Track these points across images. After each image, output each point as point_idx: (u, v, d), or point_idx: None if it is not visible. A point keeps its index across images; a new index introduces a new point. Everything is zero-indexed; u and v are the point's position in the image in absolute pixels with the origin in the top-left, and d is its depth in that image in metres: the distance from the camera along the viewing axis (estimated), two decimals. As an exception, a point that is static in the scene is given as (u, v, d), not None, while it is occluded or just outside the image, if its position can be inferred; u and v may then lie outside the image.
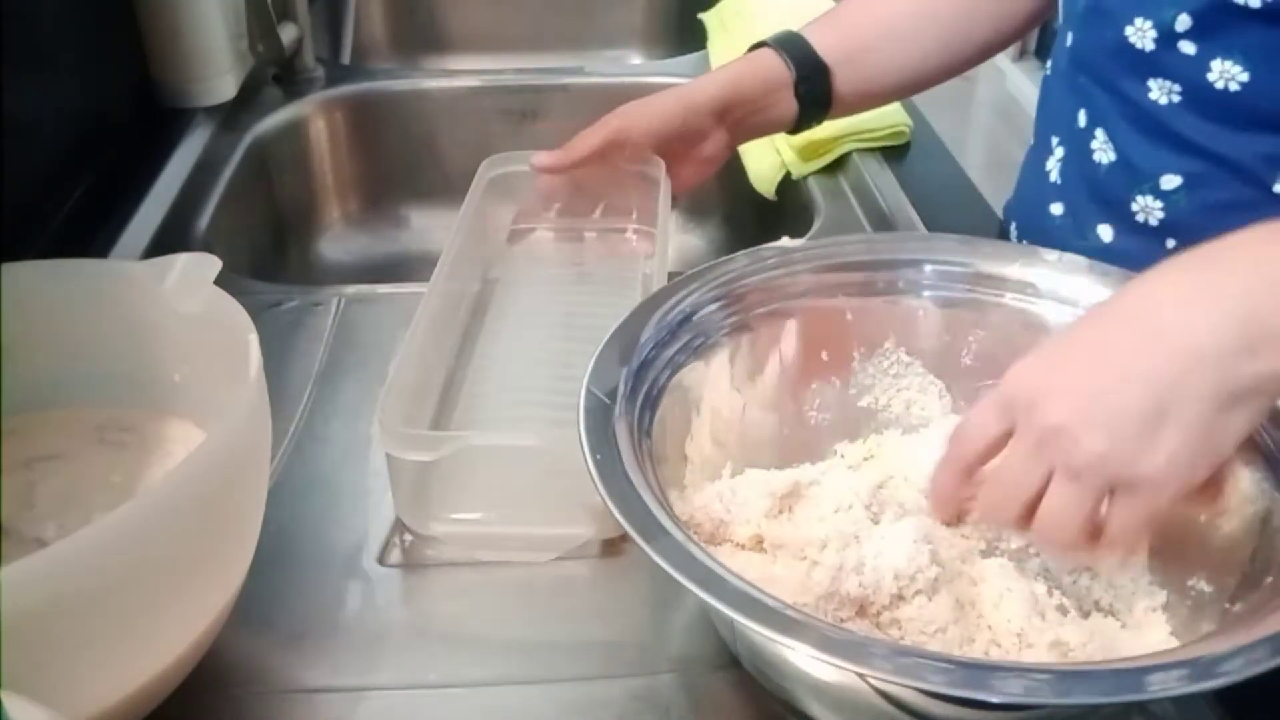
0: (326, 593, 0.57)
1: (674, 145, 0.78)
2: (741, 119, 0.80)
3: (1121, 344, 0.47)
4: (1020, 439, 0.48)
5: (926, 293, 0.62)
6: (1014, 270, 0.61)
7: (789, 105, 0.80)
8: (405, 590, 0.57)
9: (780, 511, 0.53)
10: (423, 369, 0.63)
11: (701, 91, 0.79)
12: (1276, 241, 0.47)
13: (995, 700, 0.39)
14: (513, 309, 0.75)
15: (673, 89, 0.80)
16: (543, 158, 0.78)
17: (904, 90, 0.86)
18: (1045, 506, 0.48)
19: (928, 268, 0.62)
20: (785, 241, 0.62)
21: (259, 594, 0.54)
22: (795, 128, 0.82)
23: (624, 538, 0.60)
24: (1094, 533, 0.48)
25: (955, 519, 0.53)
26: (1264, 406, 0.46)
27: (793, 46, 0.80)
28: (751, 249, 0.62)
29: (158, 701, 0.47)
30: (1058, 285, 0.60)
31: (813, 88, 0.80)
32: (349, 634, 0.55)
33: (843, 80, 0.80)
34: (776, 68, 0.79)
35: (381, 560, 0.59)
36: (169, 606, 0.45)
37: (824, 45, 0.80)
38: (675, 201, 0.79)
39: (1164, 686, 0.40)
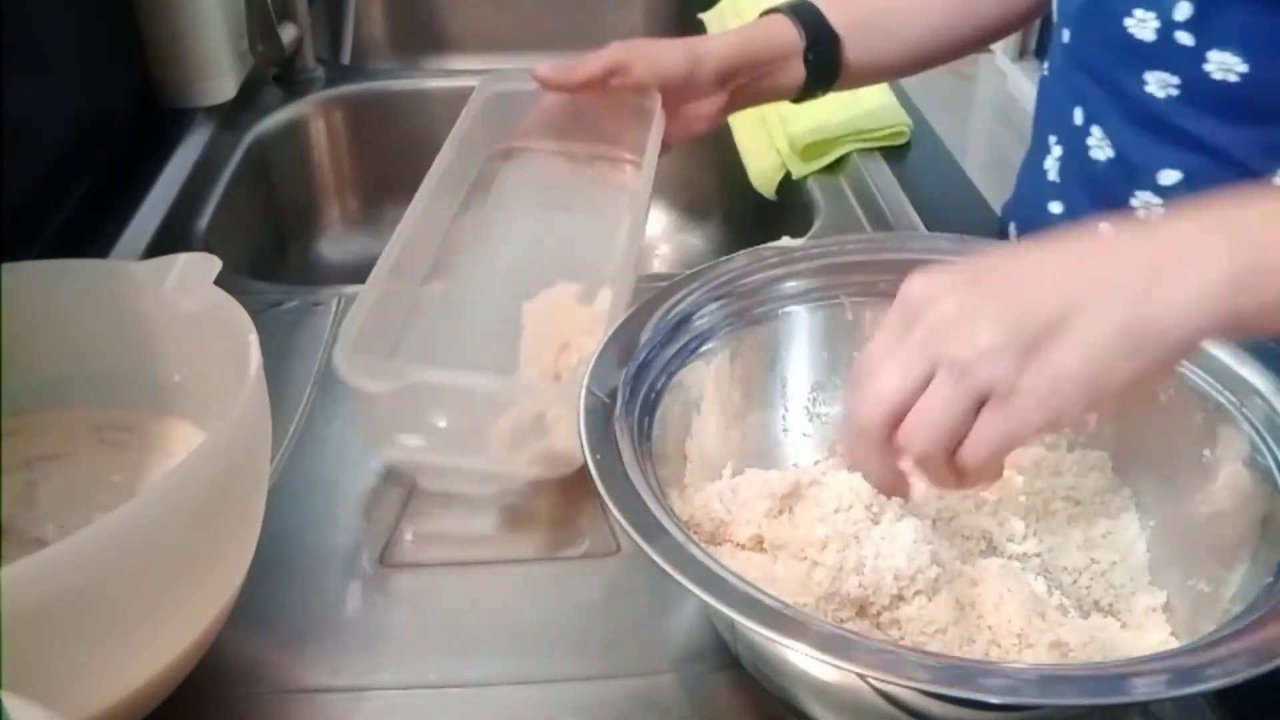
0: (326, 593, 0.57)
1: (672, 94, 0.77)
2: (746, 84, 0.79)
3: (1040, 261, 0.46)
4: (911, 335, 0.46)
5: None
6: None
7: (796, 72, 0.80)
8: (405, 590, 0.57)
9: (781, 512, 0.53)
10: (391, 294, 0.63)
11: (710, 49, 0.78)
12: (1242, 204, 0.46)
13: (995, 701, 0.39)
14: (493, 230, 0.75)
15: (681, 40, 0.80)
16: (544, 69, 0.78)
17: (908, 65, 0.85)
18: (919, 405, 0.45)
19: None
20: (786, 241, 0.62)
21: (259, 594, 0.54)
22: (799, 96, 0.82)
23: (614, 539, 0.60)
24: (952, 451, 0.46)
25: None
26: (1160, 363, 0.44)
27: (805, 13, 0.80)
28: (752, 249, 0.62)
29: (158, 701, 0.47)
30: None
31: (822, 56, 0.79)
32: (349, 634, 0.55)
33: (851, 50, 0.80)
34: (788, 33, 0.79)
35: (381, 560, 0.59)
36: (169, 606, 0.45)
37: (834, 14, 0.80)
38: (666, 151, 0.79)
39: (1150, 690, 0.40)
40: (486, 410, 0.59)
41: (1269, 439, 0.51)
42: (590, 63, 0.76)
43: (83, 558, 0.40)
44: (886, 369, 0.46)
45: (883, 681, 0.41)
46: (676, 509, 0.53)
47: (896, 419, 0.46)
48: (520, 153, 0.82)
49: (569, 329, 0.62)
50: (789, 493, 0.53)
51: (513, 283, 0.69)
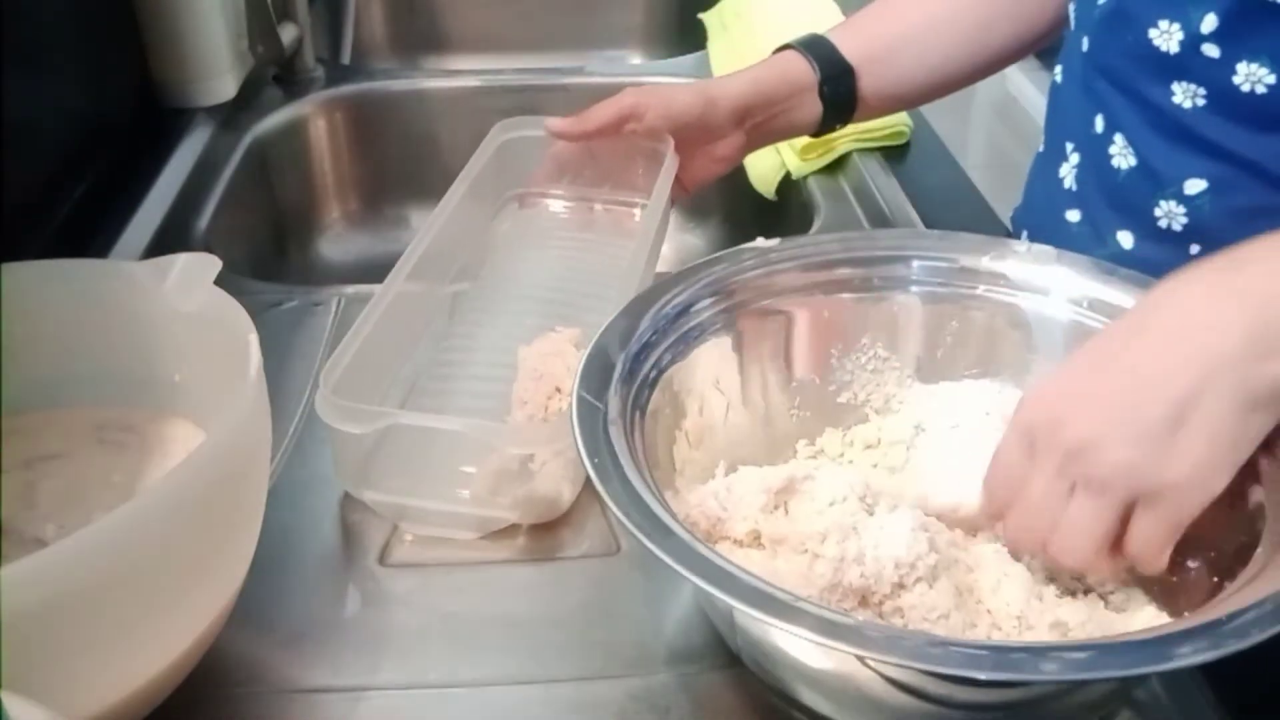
0: (326, 593, 0.57)
1: (687, 137, 0.77)
2: (762, 122, 0.79)
3: (1140, 352, 0.47)
4: (1043, 460, 0.48)
5: (901, 288, 0.62)
6: (987, 263, 0.62)
7: (813, 108, 0.80)
8: (405, 590, 0.57)
9: (776, 507, 0.53)
10: (380, 342, 0.63)
11: (723, 89, 0.78)
12: None
13: (1027, 678, 0.40)
14: (502, 279, 0.76)
15: (694, 83, 0.80)
16: (556, 122, 0.78)
17: (926, 94, 0.85)
18: (1066, 522, 0.48)
19: (904, 264, 0.63)
20: (761, 242, 0.62)
21: (259, 594, 0.54)
22: (818, 131, 0.82)
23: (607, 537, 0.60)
24: (1114, 548, 0.48)
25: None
26: None
27: (817, 48, 0.79)
28: (730, 250, 0.62)
29: (158, 701, 0.47)
30: (1031, 276, 0.61)
31: (837, 89, 0.79)
32: (349, 634, 0.55)
33: (867, 83, 0.80)
34: (801, 69, 0.79)
35: (381, 560, 0.59)
36: (169, 606, 0.45)
37: (848, 48, 0.80)
38: (684, 194, 0.79)
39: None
40: (468, 454, 0.59)
41: None
42: (602, 110, 0.77)
43: (83, 558, 0.40)
44: (1035, 501, 0.49)
45: (915, 669, 0.41)
46: (672, 508, 0.53)
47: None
48: (533, 198, 0.82)
49: (563, 374, 0.62)
50: (783, 488, 0.53)
51: (513, 327, 0.69)
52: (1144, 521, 0.47)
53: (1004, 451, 0.50)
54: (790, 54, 0.80)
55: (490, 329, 0.71)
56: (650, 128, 0.77)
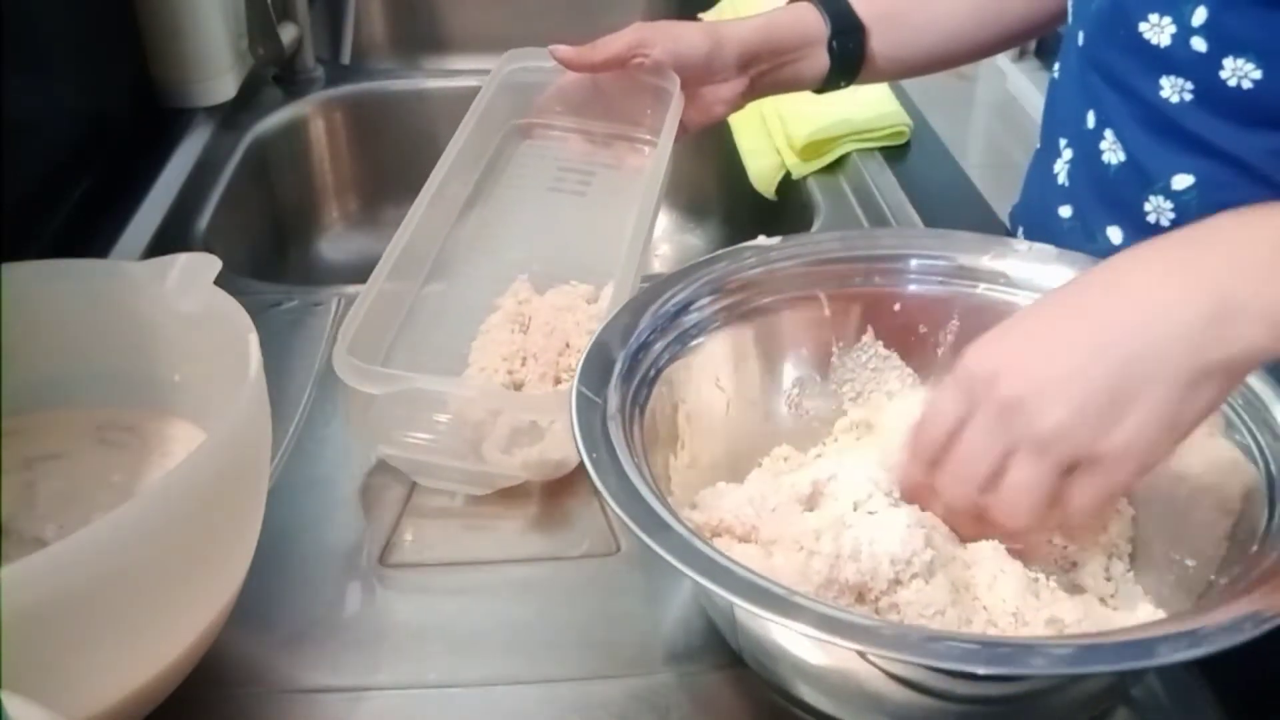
0: (326, 593, 0.57)
1: (692, 76, 0.77)
2: (767, 71, 0.79)
3: (1089, 317, 0.47)
4: (981, 413, 0.47)
5: (902, 286, 0.63)
6: (987, 261, 0.62)
7: (819, 61, 0.79)
8: (405, 590, 0.57)
9: (806, 510, 0.53)
10: (397, 288, 0.64)
11: (732, 32, 0.78)
12: (1253, 223, 0.47)
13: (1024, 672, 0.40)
14: (506, 218, 0.75)
15: (703, 23, 0.79)
16: (564, 50, 0.78)
17: (932, 61, 0.85)
18: (1007, 483, 0.47)
19: (904, 262, 0.63)
20: (762, 240, 0.62)
21: (259, 594, 0.54)
22: (821, 87, 0.82)
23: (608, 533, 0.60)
24: (1054, 510, 0.47)
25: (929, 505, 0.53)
26: (1229, 385, 0.46)
27: (831, 3, 0.79)
28: (730, 248, 0.62)
29: (158, 701, 0.47)
30: (1032, 275, 0.61)
31: (846, 45, 0.79)
32: (349, 634, 0.55)
33: (877, 42, 0.80)
34: (812, 21, 0.79)
35: (381, 560, 0.59)
36: (169, 606, 0.45)
37: (861, 5, 0.79)
38: (683, 134, 0.78)
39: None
40: (483, 415, 0.59)
41: (1245, 415, 0.52)
42: (611, 43, 0.77)
43: (83, 558, 0.40)
44: (964, 452, 0.48)
45: (911, 663, 0.41)
46: (694, 514, 0.54)
47: (989, 494, 0.48)
48: (538, 130, 0.81)
49: (573, 330, 0.62)
50: (812, 492, 0.54)
51: (519, 270, 0.69)
52: (1081, 485, 0.46)
53: (940, 400, 0.49)
54: (804, 5, 0.80)
55: (496, 280, 0.70)
56: (657, 62, 0.76)
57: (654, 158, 0.72)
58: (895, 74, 0.87)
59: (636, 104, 0.79)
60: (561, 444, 0.59)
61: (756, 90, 0.80)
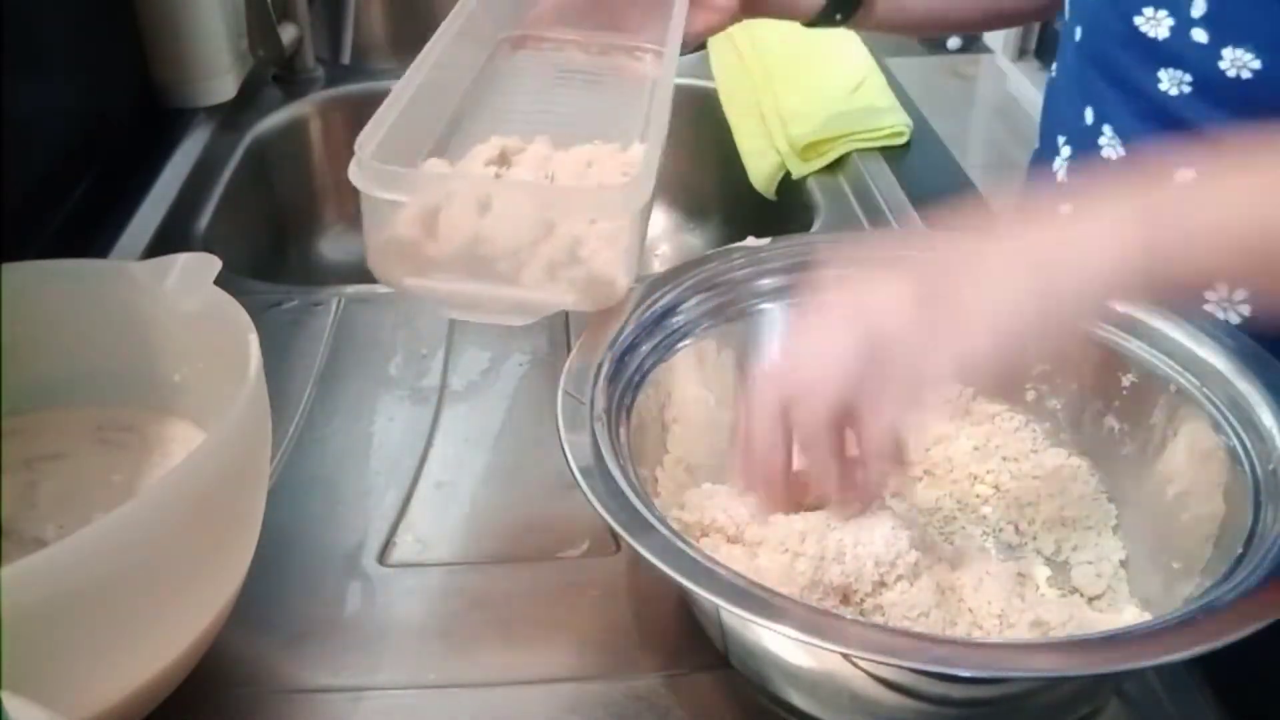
0: (326, 593, 0.57)
1: None
2: None
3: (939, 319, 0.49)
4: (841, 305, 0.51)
5: None
6: None
7: None
8: (405, 590, 0.57)
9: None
10: (412, 121, 0.61)
11: None
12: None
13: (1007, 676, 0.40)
14: (509, 109, 0.73)
15: None
16: None
17: (931, 19, 0.85)
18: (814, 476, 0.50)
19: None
20: (751, 241, 0.62)
21: (259, 594, 0.54)
22: (814, 20, 0.81)
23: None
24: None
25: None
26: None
27: None
28: (720, 249, 0.62)
29: (158, 701, 0.47)
30: None
31: None
32: (349, 634, 0.55)
33: None
34: None
35: (381, 560, 0.59)
36: (169, 606, 0.45)
37: None
38: (684, 45, 0.76)
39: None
40: (525, 226, 0.54)
41: (1230, 417, 0.52)
42: None
43: (83, 558, 0.40)
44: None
45: (882, 663, 0.41)
46: (682, 515, 0.54)
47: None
48: (532, 41, 0.80)
49: (601, 175, 0.59)
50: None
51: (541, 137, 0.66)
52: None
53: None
54: None
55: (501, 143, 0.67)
56: None
57: (671, 30, 0.69)
58: (891, 24, 0.86)
59: (635, 13, 0.78)
60: (607, 263, 0.53)
61: (750, 7, 0.79)
